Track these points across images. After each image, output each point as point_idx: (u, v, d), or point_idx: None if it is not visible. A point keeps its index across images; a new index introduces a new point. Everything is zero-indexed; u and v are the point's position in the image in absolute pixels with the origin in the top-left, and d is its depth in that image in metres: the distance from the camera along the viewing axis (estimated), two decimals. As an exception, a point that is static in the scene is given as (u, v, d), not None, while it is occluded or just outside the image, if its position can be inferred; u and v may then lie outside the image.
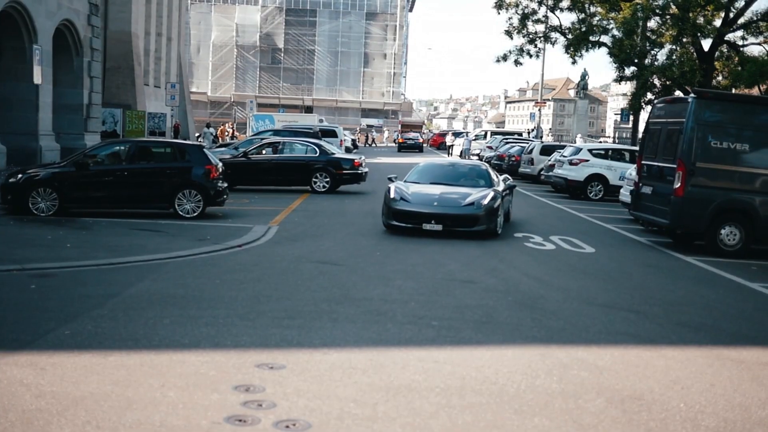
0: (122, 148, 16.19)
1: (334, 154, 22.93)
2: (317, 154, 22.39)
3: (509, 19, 35.08)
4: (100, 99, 32.35)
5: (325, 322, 7.44)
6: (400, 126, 78.71)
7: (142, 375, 5.57)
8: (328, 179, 22.04)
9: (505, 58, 35.60)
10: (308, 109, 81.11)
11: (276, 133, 30.90)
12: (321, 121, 50.53)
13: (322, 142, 24.82)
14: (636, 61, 32.10)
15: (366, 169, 23.15)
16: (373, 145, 70.78)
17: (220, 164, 16.17)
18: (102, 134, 32.77)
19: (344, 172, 22.23)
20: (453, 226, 13.70)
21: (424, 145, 65.44)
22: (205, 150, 16.25)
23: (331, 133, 33.19)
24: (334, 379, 5.70)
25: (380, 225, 14.65)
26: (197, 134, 52.71)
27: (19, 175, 14.96)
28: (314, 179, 22.04)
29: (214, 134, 45.96)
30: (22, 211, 14.57)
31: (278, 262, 10.76)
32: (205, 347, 6.37)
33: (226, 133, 51.75)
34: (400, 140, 61.28)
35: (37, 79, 20.62)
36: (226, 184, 16.06)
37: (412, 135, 62.68)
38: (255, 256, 11.22)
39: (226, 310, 7.74)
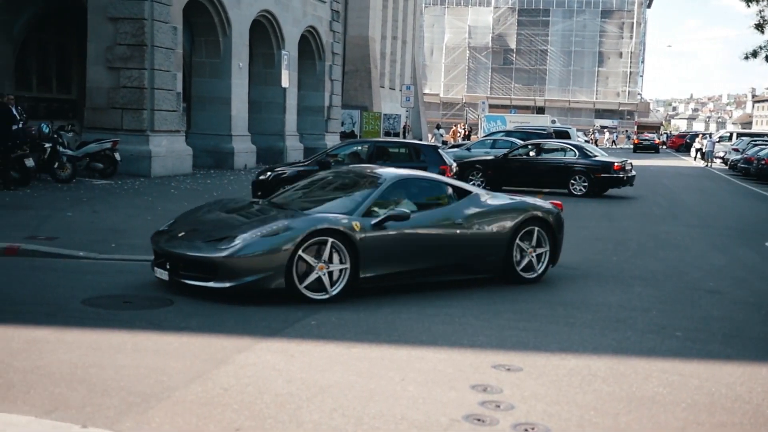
0: (362, 148, 16.86)
1: (595, 156, 22.18)
2: (576, 157, 21.85)
3: (761, 12, 32.65)
4: (340, 101, 33.87)
5: (562, 326, 7.30)
6: (635, 127, 76.29)
7: (383, 368, 5.74)
8: (585, 183, 21.34)
9: (755, 54, 33.16)
10: (540, 110, 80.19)
11: (508, 134, 30.77)
12: (553, 122, 49.76)
13: (583, 144, 24.31)
14: None
15: (632, 173, 21.93)
16: (614, 145, 69.46)
17: (454, 164, 16.36)
18: (341, 135, 34.26)
19: (603, 175, 21.34)
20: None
21: (661, 146, 64.31)
22: (439, 150, 16.52)
23: (564, 135, 32.53)
24: (572, 385, 5.57)
25: (618, 229, 14.15)
26: (429, 135, 53.67)
27: (268, 173, 16.00)
28: (572, 182, 21.44)
29: (443, 135, 46.60)
30: (270, 206, 15.55)
31: (512, 263, 10.70)
32: (443, 345, 6.46)
33: (459, 134, 52.33)
34: (636, 141, 62.10)
35: (285, 83, 21.93)
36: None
37: (648, 136, 63.37)
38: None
39: (461, 309, 7.80)
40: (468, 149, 28.05)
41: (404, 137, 40.64)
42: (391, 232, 8.15)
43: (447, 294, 8.50)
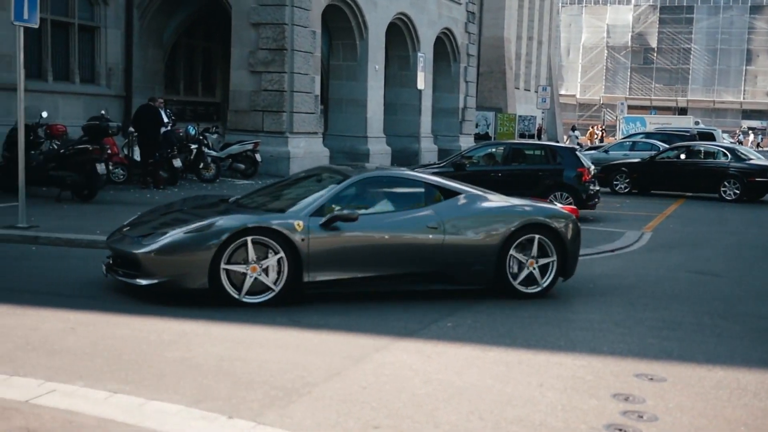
0: (497, 150, 16.73)
1: (749, 159, 21.05)
2: (729, 160, 20.83)
3: None
4: (474, 103, 33.75)
5: (708, 336, 7.00)
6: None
7: (520, 373, 5.67)
8: (738, 187, 20.32)
9: None
10: (682, 111, 77.25)
11: (648, 136, 29.81)
12: (697, 123, 47.83)
13: (737, 147, 23.29)
14: None
15: None
16: (758, 147, 65.81)
17: (593, 167, 15.99)
18: (475, 136, 34.14)
19: (758, 180, 20.23)
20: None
21: None
22: (577, 153, 16.19)
23: (708, 137, 31.20)
24: (720, 399, 5.33)
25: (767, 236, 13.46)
26: (565, 137, 52.73)
27: (403, 175, 16.10)
28: (723, 186, 20.54)
29: (578, 137, 45.63)
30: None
31: (653, 269, 10.36)
32: (582, 351, 6.31)
33: (595, 136, 51.14)
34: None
35: (421, 84, 22.06)
36: (598, 188, 15.87)
37: None
38: (628, 262, 10.92)
39: (600, 315, 7.62)
40: (606, 151, 27.39)
41: (538, 139, 40.09)
42: (345, 235, 7.45)
43: (585, 299, 8.32)
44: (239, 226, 7.08)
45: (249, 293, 7.17)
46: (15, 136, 12.48)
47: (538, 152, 16.76)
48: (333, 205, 7.61)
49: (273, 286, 7.22)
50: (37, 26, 11.62)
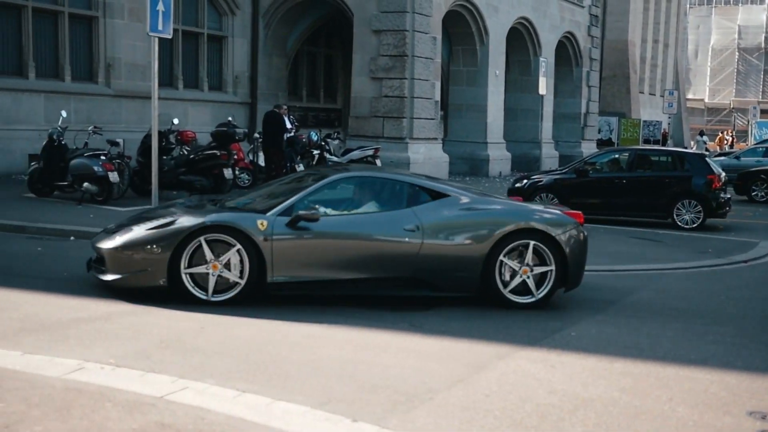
0: (622, 156, 16.29)
1: None
2: None
3: None
4: (597, 107, 33.04)
5: None
6: None
7: (648, 386, 5.49)
8: None
9: None
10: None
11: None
12: (835, 127, 45.24)
13: None
14: None
15: None
16: None
17: (723, 174, 15.36)
18: (597, 142, 33.40)
19: None
20: None
21: None
22: (707, 159, 15.60)
23: None
24: None
25: None
26: (692, 143, 50.90)
27: (525, 181, 15.93)
28: None
29: (706, 143, 43.93)
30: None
31: (790, 281, 9.87)
32: (714, 366, 6.06)
33: (725, 142, 49.09)
34: None
35: (542, 90, 21.76)
36: (729, 196, 15.23)
37: None
38: (763, 273, 10.45)
39: (733, 328, 7.29)
40: (737, 158, 26.25)
41: (663, 145, 38.83)
42: (312, 235, 7.21)
43: (717, 312, 7.99)
44: (196, 225, 7.01)
45: (216, 292, 7.09)
46: (149, 142, 13.06)
47: (664, 158, 16.22)
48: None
49: (239, 280, 7.09)
50: (170, 37, 12.14)
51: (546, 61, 22.98)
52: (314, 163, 18.61)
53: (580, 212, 8.09)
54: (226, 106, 21.63)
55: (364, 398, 4.94)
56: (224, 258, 7.04)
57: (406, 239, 7.37)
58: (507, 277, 7.55)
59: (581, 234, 7.80)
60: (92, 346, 5.69)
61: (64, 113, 14.28)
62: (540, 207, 8.11)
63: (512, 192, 15.92)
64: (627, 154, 16.14)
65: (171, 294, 7.08)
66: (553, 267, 7.56)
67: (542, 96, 22.62)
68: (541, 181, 15.72)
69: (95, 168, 13.08)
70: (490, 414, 4.77)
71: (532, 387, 5.33)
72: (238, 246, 7.02)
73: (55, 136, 13.53)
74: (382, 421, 4.55)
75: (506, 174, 25.33)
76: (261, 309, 7.11)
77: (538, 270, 7.58)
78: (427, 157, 21.49)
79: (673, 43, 52.80)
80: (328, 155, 18.92)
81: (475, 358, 5.92)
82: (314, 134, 19.26)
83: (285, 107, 18.21)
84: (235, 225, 7.04)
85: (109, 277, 7.18)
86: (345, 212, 7.60)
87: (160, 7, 11.42)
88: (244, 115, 22.23)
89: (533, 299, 7.60)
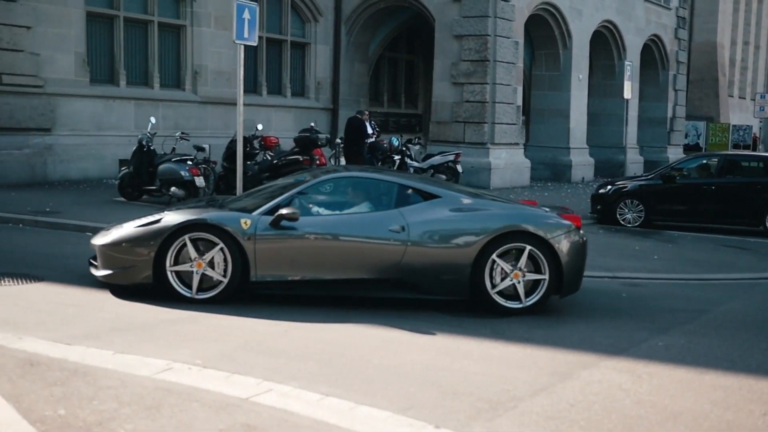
0: (710, 161, 15.85)
1: None
2: None
3: None
4: (684, 112, 32.23)
5: None
6: None
7: (741, 399, 5.31)
8: None
9: None
10: None
11: None
12: None
13: None
14: None
15: None
16: None
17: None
18: (684, 147, 32.59)
19: None
20: None
21: None
22: (801, 165, 15.05)
23: None
24: None
25: None
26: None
27: (609, 187, 15.64)
28: None
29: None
30: (609, 221, 15.19)
31: None
32: (811, 380, 5.82)
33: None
34: None
35: (627, 94, 21.34)
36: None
37: None
38: None
39: (831, 341, 7.00)
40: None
41: (754, 150, 37.60)
42: (296, 235, 7.21)
43: (813, 323, 7.69)
44: (179, 223, 7.13)
45: (201, 289, 7.19)
46: (234, 147, 13.31)
47: (755, 164, 15.71)
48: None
49: (222, 278, 7.16)
50: (255, 44, 12.35)
51: (631, 64, 22.52)
52: (395, 168, 18.67)
53: (577, 215, 7.88)
54: (309, 112, 21.89)
55: (446, 404, 4.91)
56: (208, 256, 7.17)
57: (391, 240, 7.27)
58: (498, 280, 7.34)
59: (580, 238, 7.58)
60: (179, 347, 5.82)
61: (153, 119, 14.70)
62: (537, 210, 7.81)
63: (596, 198, 15.66)
64: (716, 160, 15.68)
65: (160, 291, 7.22)
66: (546, 276, 7.34)
67: (627, 100, 22.15)
68: (625, 187, 15.40)
69: (182, 173, 13.42)
70: (575, 424, 4.68)
71: (618, 398, 5.22)
72: (222, 245, 7.14)
73: (144, 142, 13.94)
74: (465, 429, 4.52)
75: (589, 180, 24.91)
76: (339, 313, 7.16)
77: (531, 277, 7.38)
78: (508, 162, 21.32)
79: (764, 45, 51.12)
80: (408, 160, 18.96)
81: (559, 367, 5.83)
82: (395, 139, 19.32)
83: (366, 113, 18.33)
84: (217, 224, 7.15)
85: (100, 273, 7.40)
86: (331, 212, 7.57)
87: (246, 15, 11.64)
88: (326, 120, 22.45)
89: (521, 305, 7.38)
